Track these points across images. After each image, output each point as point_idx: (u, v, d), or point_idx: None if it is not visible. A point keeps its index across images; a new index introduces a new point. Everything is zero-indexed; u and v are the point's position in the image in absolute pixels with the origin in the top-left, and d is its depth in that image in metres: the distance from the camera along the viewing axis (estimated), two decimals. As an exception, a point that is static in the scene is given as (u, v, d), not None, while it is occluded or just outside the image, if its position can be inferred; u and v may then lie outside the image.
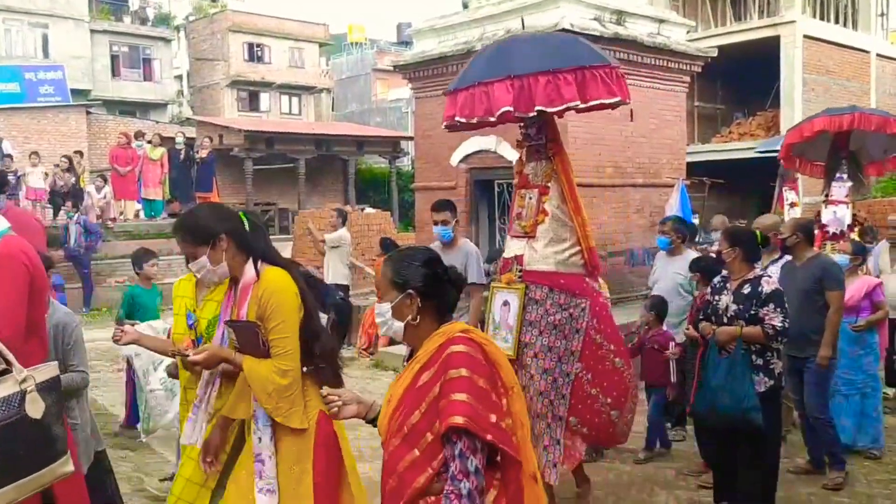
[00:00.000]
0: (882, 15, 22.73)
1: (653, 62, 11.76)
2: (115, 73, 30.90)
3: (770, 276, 4.66)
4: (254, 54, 34.31)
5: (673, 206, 10.95)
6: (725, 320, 4.56)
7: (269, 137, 25.19)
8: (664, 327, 6.12)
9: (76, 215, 13.11)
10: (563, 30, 10.44)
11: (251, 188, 24.35)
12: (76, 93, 26.01)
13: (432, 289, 2.45)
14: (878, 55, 21.37)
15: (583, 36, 10.71)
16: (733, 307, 4.53)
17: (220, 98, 33.59)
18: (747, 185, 17.62)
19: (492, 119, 4.81)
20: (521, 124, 4.97)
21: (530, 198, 4.82)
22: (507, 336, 4.69)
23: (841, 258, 6.19)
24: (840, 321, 5.33)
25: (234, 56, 33.45)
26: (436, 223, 6.16)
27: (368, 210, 19.77)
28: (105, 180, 15.53)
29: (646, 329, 6.18)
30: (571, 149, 10.94)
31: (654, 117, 11.94)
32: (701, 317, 4.88)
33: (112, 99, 29.99)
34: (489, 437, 2.22)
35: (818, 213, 7.93)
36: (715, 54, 12.67)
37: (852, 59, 20.61)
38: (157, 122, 27.19)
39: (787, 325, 4.37)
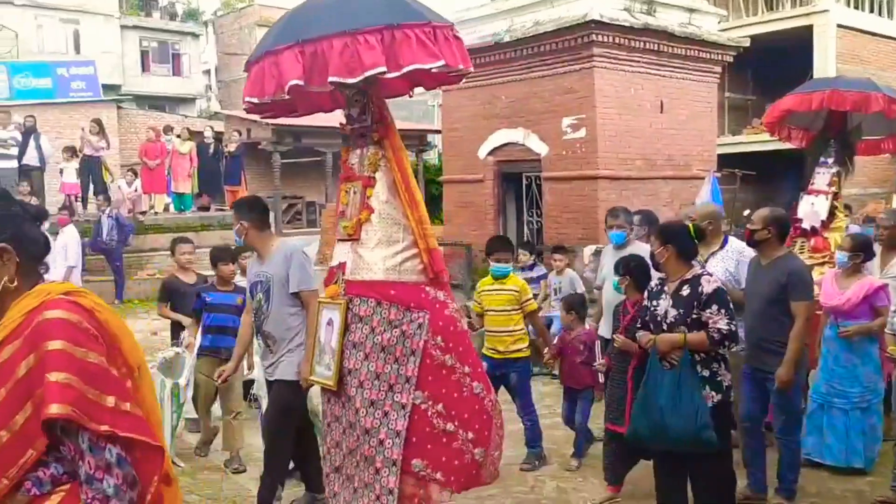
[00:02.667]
0: (919, 3, 22.19)
1: (684, 52, 11.63)
2: (144, 68, 31.21)
3: (710, 275, 4.08)
4: (281, 48, 34.45)
5: (703, 199, 10.79)
6: (665, 328, 3.98)
7: (297, 131, 25.24)
8: (587, 325, 5.68)
9: (108, 209, 13.27)
10: (593, 21, 10.35)
11: (279, 181, 24.45)
12: (107, 88, 26.29)
13: (21, 235, 1.91)
14: (914, 44, 20.87)
15: (613, 27, 10.68)
16: (673, 312, 3.97)
17: (248, 92, 33.76)
18: (779, 176, 17.34)
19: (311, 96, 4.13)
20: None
21: (354, 192, 4.00)
22: (329, 362, 3.93)
23: (840, 255, 5.34)
24: (803, 336, 4.46)
25: (262, 50, 33.61)
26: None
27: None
28: (135, 174, 15.69)
29: (567, 330, 5.67)
30: (600, 141, 10.93)
31: (684, 108, 11.81)
32: (638, 325, 4.29)
33: (142, 94, 30.28)
34: (104, 427, 1.73)
35: (794, 205, 7.10)
36: (747, 44, 12.50)
37: (887, 48, 20.16)
38: (186, 117, 27.42)
39: (733, 327, 3.85)
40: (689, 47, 11.62)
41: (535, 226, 12.17)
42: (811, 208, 6.79)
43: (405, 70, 3.52)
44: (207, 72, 35.24)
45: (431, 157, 30.32)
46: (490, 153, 12.38)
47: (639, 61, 11.19)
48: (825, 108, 6.70)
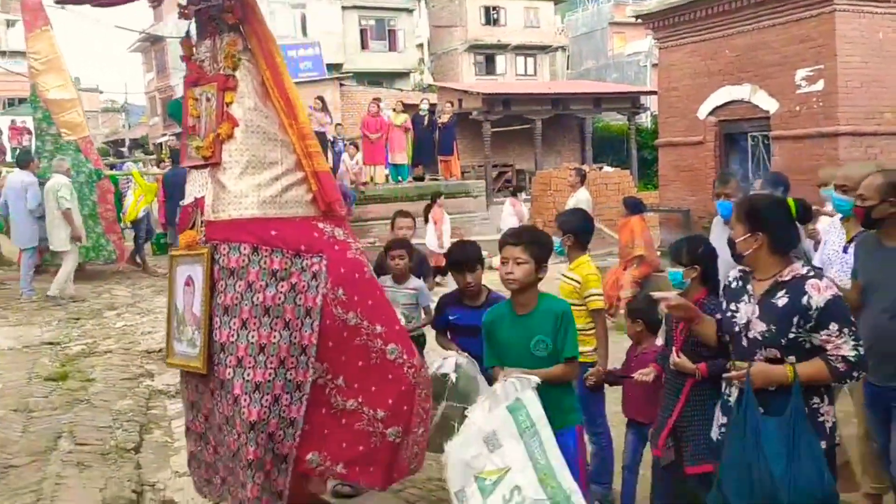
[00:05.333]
0: None
1: (947, -14, 10.12)
2: (363, 45, 32.88)
3: (818, 276, 2.83)
4: (490, 17, 34.73)
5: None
6: (745, 343, 2.83)
7: (506, 99, 25.44)
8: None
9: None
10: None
11: (489, 150, 24.81)
12: (330, 67, 28.02)
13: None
14: None
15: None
16: (760, 326, 2.79)
17: (459, 63, 34.48)
18: None
19: None
20: None
21: (207, 99, 3.04)
22: (194, 336, 2.95)
23: None
24: None
25: (472, 21, 34.10)
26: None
27: (606, 169, 19.29)
28: (357, 147, 16.56)
29: (633, 346, 4.24)
30: (841, 94, 9.84)
31: (947, 50, 10.28)
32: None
33: (361, 70, 31.95)
34: None
35: None
36: None
37: None
38: (402, 91, 28.55)
39: (861, 352, 2.72)
40: (952, -20, 10.08)
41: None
42: None
43: None
44: (420, 45, 36.37)
45: (644, 120, 29.18)
46: (711, 112, 11.63)
47: (888, 0, 9.89)
48: None
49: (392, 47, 33.58)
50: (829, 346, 2.71)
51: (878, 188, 3.36)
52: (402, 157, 16.78)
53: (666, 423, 3.38)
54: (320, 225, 3.02)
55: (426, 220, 12.30)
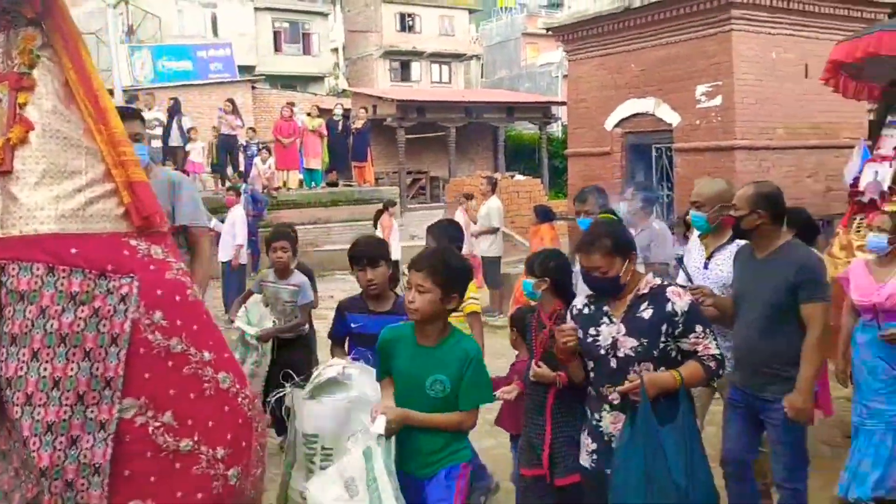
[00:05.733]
0: None
1: (832, 11, 10.79)
2: (277, 48, 32.35)
3: (672, 285, 2.98)
4: (405, 24, 34.82)
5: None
6: (615, 365, 2.86)
7: (421, 106, 25.53)
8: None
9: (244, 185, 13.87)
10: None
11: (403, 157, 24.84)
12: (242, 69, 27.46)
13: None
14: None
15: (759, -12, 10.01)
16: (630, 342, 2.83)
17: (374, 69, 34.40)
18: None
19: None
20: None
21: None
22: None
23: (874, 238, 4.11)
24: (822, 348, 3.41)
25: (387, 27, 34.10)
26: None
27: (518, 177, 19.60)
28: (269, 152, 16.32)
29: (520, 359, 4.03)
30: (738, 109, 10.34)
31: (832, 72, 10.96)
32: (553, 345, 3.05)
33: (274, 73, 31.44)
34: None
35: (856, 178, 5.81)
36: (908, 0, 11.42)
37: None
38: (316, 95, 28.25)
39: (720, 348, 2.92)
40: (837, 5, 10.76)
41: (666, 199, 11.72)
42: (875, 178, 5.56)
43: None
44: (335, 50, 36.10)
45: (555, 130, 29.82)
46: (618, 124, 12.01)
47: (781, 22, 10.47)
48: (873, 54, 5.56)
49: (306, 51, 33.17)
50: (699, 348, 2.84)
51: (748, 199, 3.46)
52: (317, 162, 16.65)
53: (537, 441, 3.33)
54: (133, 242, 2.66)
55: (375, 227, 12.35)
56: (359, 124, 16.94)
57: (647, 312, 2.85)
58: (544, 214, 9.47)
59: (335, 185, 17.52)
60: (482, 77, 39.32)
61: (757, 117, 10.41)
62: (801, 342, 3.33)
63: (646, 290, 2.89)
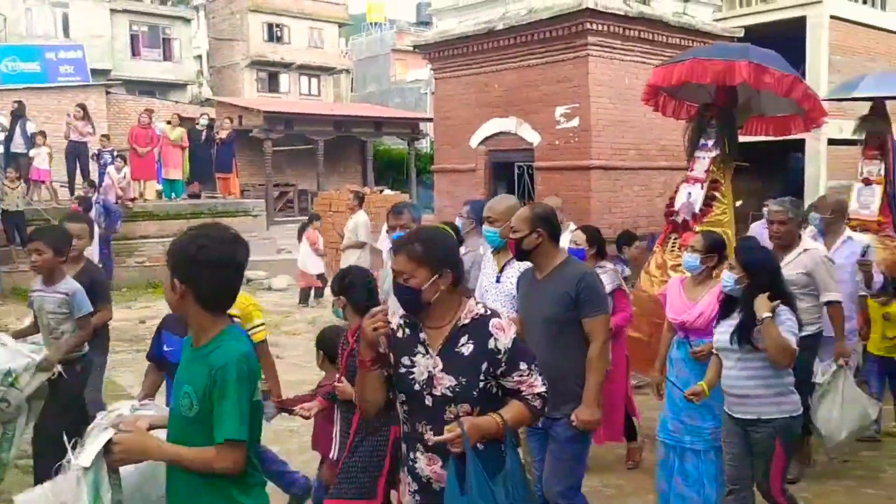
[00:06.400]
0: (913, -6, 22.19)
1: (678, 42, 11.58)
2: (134, 52, 30.91)
3: (497, 316, 2.55)
4: (273, 34, 34.24)
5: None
6: (431, 403, 2.48)
7: (289, 118, 25.20)
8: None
9: (95, 195, 13.14)
10: (587, 9, 10.27)
11: (270, 169, 24.40)
12: (96, 73, 26.05)
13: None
14: (907, 36, 20.87)
15: (607, 15, 10.59)
16: (448, 381, 2.46)
17: (240, 79, 33.58)
18: (771, 167, 17.33)
19: None
20: None
21: None
22: None
23: (689, 257, 4.27)
24: (606, 359, 3.53)
25: (254, 36, 33.40)
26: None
27: (387, 192, 19.68)
28: (125, 161, 15.55)
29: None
30: (593, 131, 10.86)
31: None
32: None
33: (132, 79, 30.03)
34: None
35: (672, 197, 6.14)
36: (741, 35, 12.43)
37: (880, 39, 20.13)
38: (177, 103, 27.24)
39: (546, 385, 2.58)
40: (683, 37, 11.56)
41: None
42: (688, 199, 5.87)
43: None
44: (199, 57, 34.96)
45: (424, 145, 30.22)
46: (482, 142, 12.32)
47: (633, 50, 11.13)
48: (686, 81, 5.83)
49: (167, 57, 31.89)
50: (523, 387, 2.49)
51: (527, 220, 3.48)
52: (177, 172, 16.02)
53: (369, 471, 3.21)
54: None
55: (300, 240, 12.20)
56: (223, 134, 16.47)
57: (466, 348, 2.47)
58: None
59: (197, 196, 16.92)
60: (352, 91, 39.28)
61: (611, 139, 10.98)
62: (585, 356, 3.42)
63: (467, 321, 2.50)
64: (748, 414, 3.60)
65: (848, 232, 5.58)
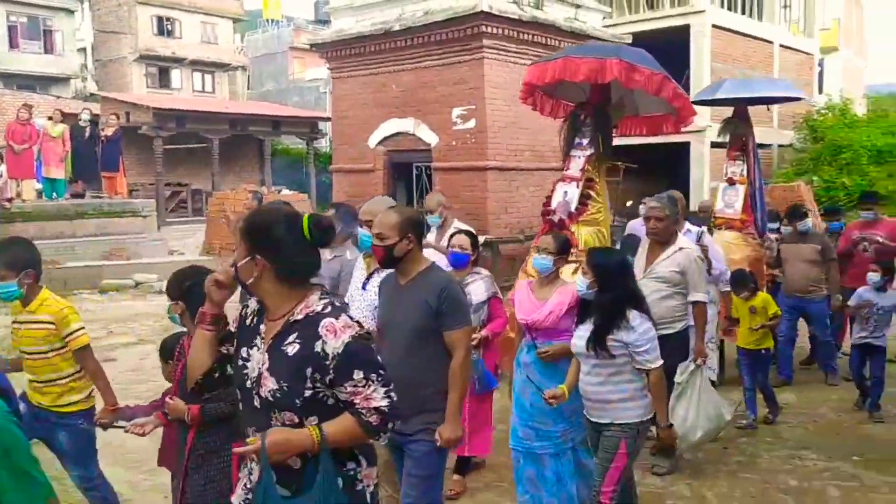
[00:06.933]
0: (785, 7, 23.65)
1: (570, 46, 11.87)
2: (12, 44, 29.15)
3: (336, 316, 2.19)
4: (164, 28, 33.02)
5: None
6: (259, 405, 2.20)
7: (181, 115, 24.33)
8: None
9: (-32, 195, 12.33)
10: (483, 12, 10.42)
11: (161, 168, 23.49)
12: (-32, 64, 24.45)
13: None
14: (781, 45, 22.22)
15: (502, 19, 10.79)
16: (271, 383, 2.17)
17: (128, 73, 32.20)
18: (658, 168, 18.08)
19: None
20: None
21: None
22: None
23: (539, 258, 4.21)
24: (468, 372, 3.42)
25: (143, 30, 32.09)
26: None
27: (285, 192, 19.37)
28: (1, 158, 14.65)
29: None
30: (489, 132, 11.04)
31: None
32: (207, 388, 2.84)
33: (9, 72, 28.32)
34: None
35: (548, 196, 6.10)
36: (629, 41, 12.89)
37: (757, 48, 21.39)
38: (59, 98, 25.87)
39: (394, 398, 2.21)
40: (574, 41, 11.87)
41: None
42: (564, 198, 5.86)
43: None
44: (83, 50, 33.32)
45: (323, 145, 29.87)
46: (380, 142, 12.29)
47: (527, 54, 11.36)
48: (560, 79, 5.87)
49: (48, 49, 30.24)
50: (357, 399, 2.16)
51: (396, 226, 3.25)
52: (59, 171, 15.19)
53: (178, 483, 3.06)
54: None
55: None
56: (109, 131, 15.74)
57: (292, 347, 2.16)
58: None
59: (81, 196, 16.13)
60: (248, 88, 38.36)
61: (506, 140, 11.18)
62: (445, 368, 3.25)
63: (300, 317, 2.19)
64: (603, 418, 3.69)
65: (687, 224, 5.90)
